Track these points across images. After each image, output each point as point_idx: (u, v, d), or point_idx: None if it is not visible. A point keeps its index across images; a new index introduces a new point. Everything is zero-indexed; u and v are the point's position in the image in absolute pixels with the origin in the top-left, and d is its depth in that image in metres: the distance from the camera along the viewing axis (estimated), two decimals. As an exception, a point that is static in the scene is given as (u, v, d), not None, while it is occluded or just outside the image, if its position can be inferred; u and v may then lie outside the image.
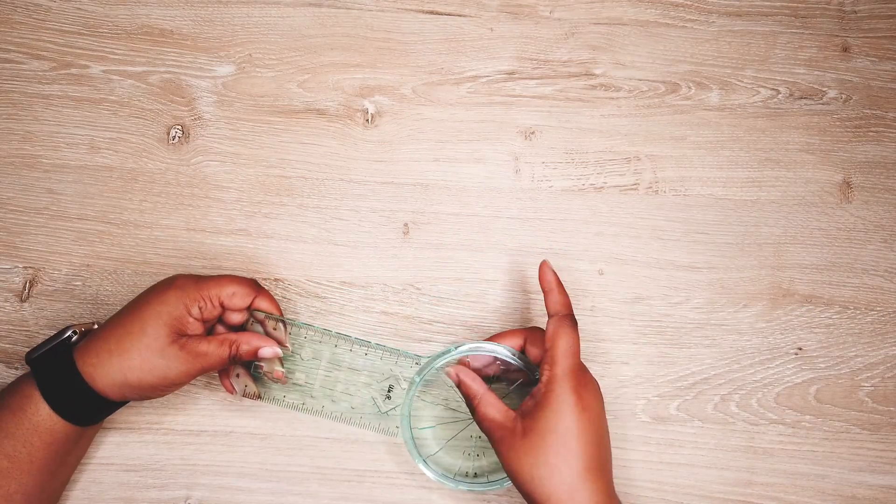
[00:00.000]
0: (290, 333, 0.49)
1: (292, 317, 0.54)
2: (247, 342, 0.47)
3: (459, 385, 0.47)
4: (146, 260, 0.54)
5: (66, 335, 0.46)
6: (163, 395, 0.47)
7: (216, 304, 0.46)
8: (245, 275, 0.54)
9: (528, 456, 0.42)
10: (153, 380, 0.44)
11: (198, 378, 0.53)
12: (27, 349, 0.52)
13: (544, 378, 0.44)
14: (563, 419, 0.42)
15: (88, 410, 0.45)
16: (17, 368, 0.52)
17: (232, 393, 0.50)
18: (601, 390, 0.46)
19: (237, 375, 0.49)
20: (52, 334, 0.47)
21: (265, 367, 0.49)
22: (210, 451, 0.52)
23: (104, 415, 0.47)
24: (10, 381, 0.51)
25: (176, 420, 0.52)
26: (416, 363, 0.49)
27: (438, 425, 0.51)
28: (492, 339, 0.49)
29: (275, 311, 0.49)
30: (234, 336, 0.47)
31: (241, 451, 0.52)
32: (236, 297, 0.47)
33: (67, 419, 0.44)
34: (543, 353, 0.45)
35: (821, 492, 0.53)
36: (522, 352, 0.48)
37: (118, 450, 0.52)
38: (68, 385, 0.44)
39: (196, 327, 0.46)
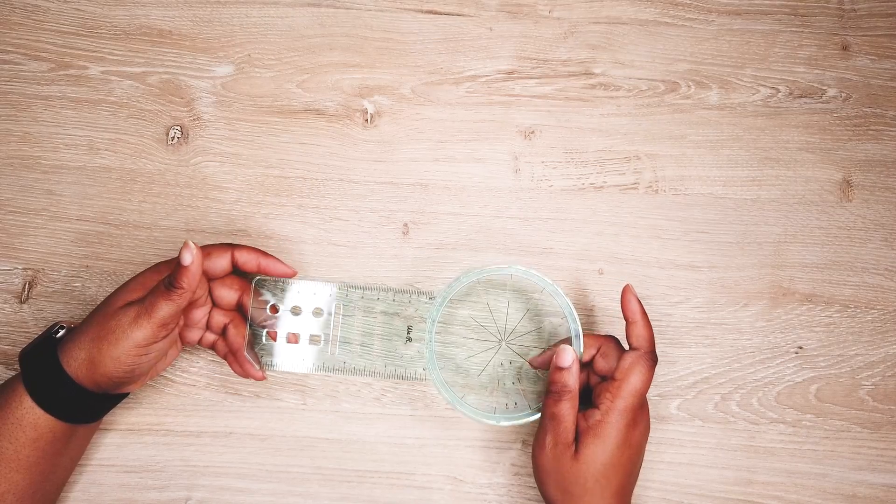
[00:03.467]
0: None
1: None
2: (178, 261, 0.43)
3: (561, 368, 0.45)
4: (146, 261, 0.54)
5: (54, 330, 0.46)
6: (130, 372, 0.44)
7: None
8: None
9: (571, 472, 0.44)
10: (110, 347, 0.43)
11: (198, 379, 0.53)
12: (27, 350, 0.52)
13: (603, 407, 0.44)
14: (609, 453, 0.44)
15: (70, 403, 0.44)
16: (16, 370, 0.52)
17: (259, 377, 0.48)
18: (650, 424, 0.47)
19: (248, 349, 0.48)
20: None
21: (267, 324, 0.48)
22: (210, 452, 0.52)
23: (91, 412, 0.46)
24: (9, 383, 0.52)
25: (176, 421, 0.52)
26: (431, 298, 0.48)
27: (465, 360, 0.50)
28: (564, 341, 0.48)
29: (260, 262, 0.47)
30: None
31: (241, 451, 0.52)
32: (213, 257, 0.46)
33: (50, 412, 0.43)
34: (610, 379, 0.45)
35: (822, 491, 0.53)
36: (591, 363, 0.47)
37: (118, 451, 0.52)
38: (47, 374, 0.43)
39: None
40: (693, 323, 0.55)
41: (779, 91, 0.59)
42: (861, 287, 0.56)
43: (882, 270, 0.56)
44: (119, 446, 0.52)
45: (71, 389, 0.44)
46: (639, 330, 0.46)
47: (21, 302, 0.54)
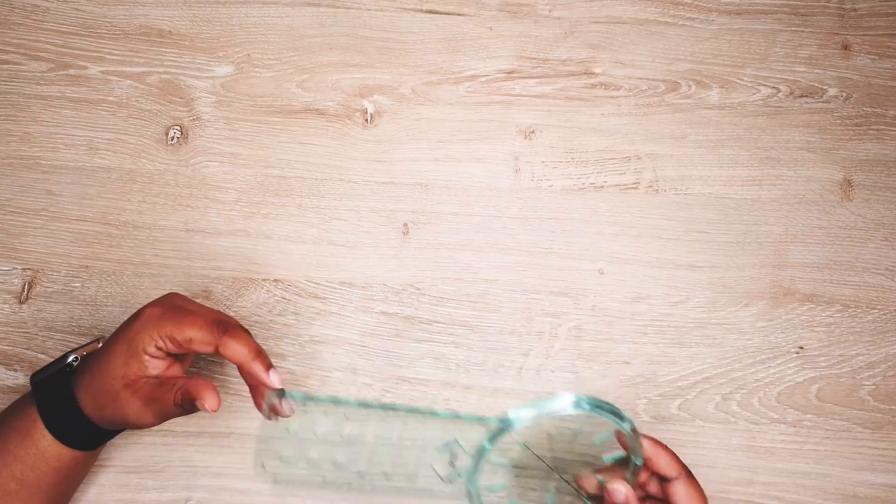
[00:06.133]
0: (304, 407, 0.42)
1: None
2: (194, 388, 0.41)
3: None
4: (145, 261, 0.54)
5: (68, 361, 0.45)
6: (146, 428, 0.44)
7: (176, 344, 0.42)
8: (244, 276, 0.54)
9: None
10: (118, 419, 0.42)
11: (197, 379, 0.52)
12: (26, 350, 0.52)
13: None
14: None
15: (89, 437, 0.44)
16: (16, 370, 0.52)
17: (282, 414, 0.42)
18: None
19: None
20: (56, 354, 0.46)
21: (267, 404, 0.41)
22: (210, 452, 0.52)
23: (111, 436, 0.46)
24: (8, 384, 0.52)
25: (175, 421, 0.52)
26: (483, 426, 0.39)
27: (514, 493, 0.46)
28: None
29: (246, 352, 0.41)
30: (182, 382, 0.42)
31: (240, 452, 0.52)
32: (194, 344, 0.42)
33: (71, 446, 0.43)
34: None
35: (822, 491, 0.52)
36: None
37: (118, 452, 0.51)
38: (68, 415, 0.43)
39: (155, 365, 0.42)
40: (693, 323, 0.55)
41: (779, 91, 0.59)
42: (862, 287, 0.55)
43: (883, 270, 0.56)
44: (119, 447, 0.52)
45: (97, 430, 0.44)
46: (666, 464, 0.43)
47: (20, 302, 0.54)
